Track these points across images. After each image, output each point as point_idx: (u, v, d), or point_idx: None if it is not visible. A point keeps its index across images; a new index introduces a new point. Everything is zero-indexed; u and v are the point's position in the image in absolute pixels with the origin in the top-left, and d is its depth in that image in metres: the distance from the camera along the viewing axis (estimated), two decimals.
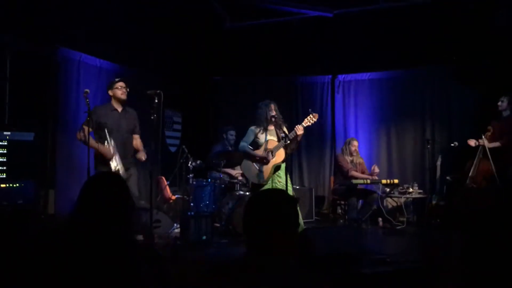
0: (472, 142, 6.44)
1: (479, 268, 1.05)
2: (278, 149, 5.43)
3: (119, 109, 5.24)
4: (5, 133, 4.86)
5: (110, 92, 5.26)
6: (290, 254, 1.67)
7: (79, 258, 0.90)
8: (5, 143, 4.84)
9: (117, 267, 0.95)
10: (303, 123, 5.31)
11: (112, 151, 4.95)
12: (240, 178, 7.10)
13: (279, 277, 1.60)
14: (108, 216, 1.13)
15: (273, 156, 5.46)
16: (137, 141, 5.40)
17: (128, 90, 5.26)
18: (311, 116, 5.37)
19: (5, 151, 4.84)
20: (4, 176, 4.80)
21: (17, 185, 4.82)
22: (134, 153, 5.37)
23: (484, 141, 6.27)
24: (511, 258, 1.03)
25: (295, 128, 5.24)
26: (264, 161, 5.42)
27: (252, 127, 5.59)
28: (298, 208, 1.79)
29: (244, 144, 5.52)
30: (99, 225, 0.97)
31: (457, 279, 1.10)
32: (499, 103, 6.44)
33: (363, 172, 7.22)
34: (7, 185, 4.75)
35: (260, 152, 5.48)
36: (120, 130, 5.18)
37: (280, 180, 5.41)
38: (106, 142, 4.99)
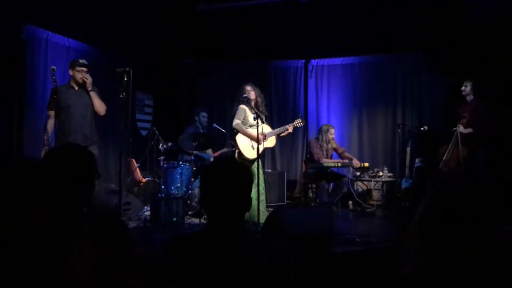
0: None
1: (440, 245, 1.05)
2: (271, 135, 5.90)
3: (76, 87, 5.26)
4: None
5: (70, 72, 5.29)
6: (236, 223, 1.66)
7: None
8: None
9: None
10: (293, 124, 6.03)
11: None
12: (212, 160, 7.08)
13: (237, 245, 1.59)
14: (66, 186, 1.06)
15: (265, 139, 5.78)
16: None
17: (88, 73, 5.25)
18: (299, 120, 6.13)
19: None
20: None
21: None
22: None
23: (460, 127, 6.35)
24: (474, 237, 1.03)
25: (288, 127, 5.98)
26: (257, 141, 5.59)
27: (243, 106, 5.80)
28: (251, 181, 1.80)
29: (238, 122, 5.77)
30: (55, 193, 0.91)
31: (420, 257, 1.10)
32: (463, 88, 6.52)
33: (337, 152, 7.32)
34: None
35: (253, 133, 5.66)
36: (76, 108, 5.19)
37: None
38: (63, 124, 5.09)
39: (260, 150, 5.55)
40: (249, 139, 5.79)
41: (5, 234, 0.82)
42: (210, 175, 1.72)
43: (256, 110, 5.55)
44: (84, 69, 5.21)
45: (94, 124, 5.38)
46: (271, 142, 5.97)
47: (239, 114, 5.81)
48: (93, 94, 5.24)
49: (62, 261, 0.85)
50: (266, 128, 5.85)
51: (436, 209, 1.06)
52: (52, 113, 5.06)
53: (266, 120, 5.74)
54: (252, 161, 5.70)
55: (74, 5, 6.34)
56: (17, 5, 5.74)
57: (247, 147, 5.79)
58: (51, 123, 5.07)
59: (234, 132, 5.92)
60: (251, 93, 5.76)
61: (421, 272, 1.05)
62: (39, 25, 6.15)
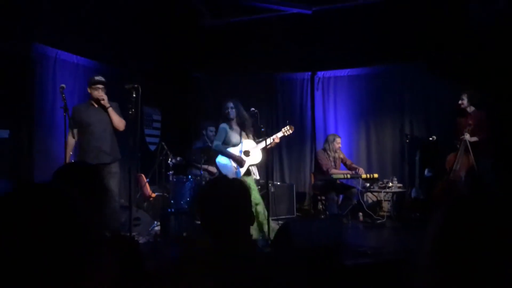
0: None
1: (453, 257, 1.04)
2: (255, 151, 5.58)
3: (96, 105, 5.28)
4: None
5: (88, 90, 5.32)
6: (243, 239, 1.66)
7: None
8: None
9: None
10: (279, 134, 5.68)
11: None
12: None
13: (234, 262, 1.59)
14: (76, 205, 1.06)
15: (249, 156, 5.53)
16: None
17: (105, 90, 5.28)
18: (288, 128, 5.76)
19: None
20: None
21: None
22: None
23: (467, 135, 6.34)
24: (485, 247, 1.02)
25: (274, 137, 5.57)
26: (239, 162, 5.46)
27: (223, 125, 5.54)
28: (250, 196, 1.80)
29: (218, 144, 5.49)
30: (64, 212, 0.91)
31: (432, 269, 1.09)
32: (460, 102, 6.55)
33: (345, 164, 7.34)
34: None
35: (236, 152, 5.50)
36: (97, 125, 5.22)
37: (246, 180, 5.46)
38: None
39: (244, 170, 5.43)
40: (231, 160, 5.48)
41: (19, 261, 0.82)
42: (206, 198, 1.71)
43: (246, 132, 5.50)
44: (100, 86, 5.23)
45: (116, 140, 5.41)
46: (255, 158, 5.55)
47: (219, 135, 5.50)
48: (111, 111, 5.26)
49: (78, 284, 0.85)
50: (250, 144, 5.53)
51: (451, 226, 1.05)
52: (72, 131, 5.10)
53: (252, 135, 5.58)
54: None
55: (82, 23, 6.41)
56: (26, 25, 5.82)
57: (231, 169, 5.45)
58: (71, 142, 5.14)
59: (215, 154, 5.64)
60: (230, 112, 5.48)
61: (433, 286, 1.04)
62: (47, 43, 6.23)
